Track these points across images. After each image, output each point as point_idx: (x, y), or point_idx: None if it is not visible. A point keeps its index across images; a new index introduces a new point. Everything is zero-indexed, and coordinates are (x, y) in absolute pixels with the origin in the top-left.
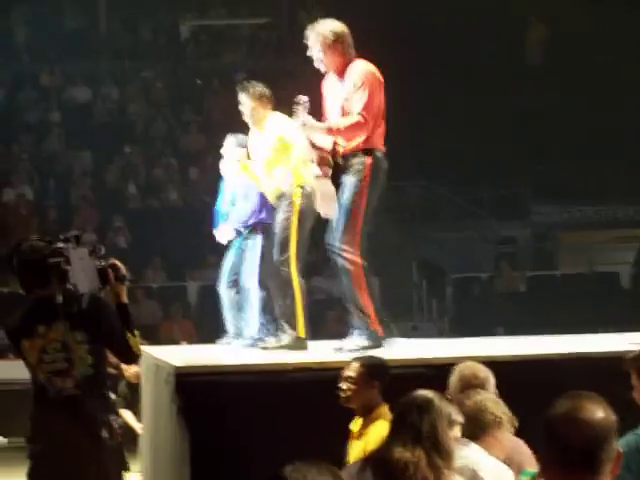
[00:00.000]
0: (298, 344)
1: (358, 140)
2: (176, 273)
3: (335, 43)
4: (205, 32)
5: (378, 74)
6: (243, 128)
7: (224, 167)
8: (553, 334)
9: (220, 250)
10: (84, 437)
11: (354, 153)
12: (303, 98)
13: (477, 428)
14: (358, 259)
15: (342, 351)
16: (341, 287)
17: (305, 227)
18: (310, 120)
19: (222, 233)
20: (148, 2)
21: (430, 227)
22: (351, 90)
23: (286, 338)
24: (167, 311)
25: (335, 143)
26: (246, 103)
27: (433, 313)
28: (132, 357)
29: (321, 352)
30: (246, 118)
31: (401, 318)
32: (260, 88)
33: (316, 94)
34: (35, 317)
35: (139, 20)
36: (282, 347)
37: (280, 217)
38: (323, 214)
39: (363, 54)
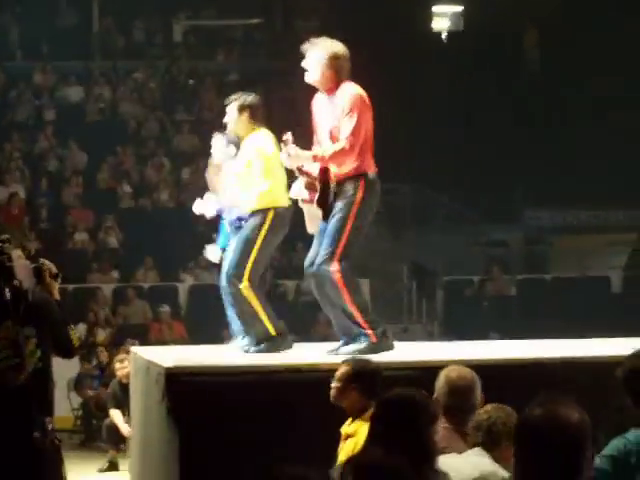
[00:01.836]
0: (274, 344)
1: (350, 166)
2: (167, 273)
3: (333, 63)
4: (198, 32)
5: (366, 98)
6: None
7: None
8: (542, 338)
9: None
10: (15, 436)
11: (346, 178)
12: (288, 135)
13: (490, 440)
14: (339, 270)
15: (336, 353)
16: (329, 300)
17: (272, 245)
18: (295, 150)
19: (210, 252)
20: (141, 2)
21: (421, 229)
22: (340, 116)
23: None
24: (157, 311)
25: (328, 170)
26: (231, 113)
27: (423, 316)
28: (72, 351)
29: (312, 354)
30: (229, 127)
31: (391, 320)
32: (247, 100)
33: (308, 95)
34: None
35: (132, 20)
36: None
37: (245, 232)
38: (311, 232)
39: (357, 60)
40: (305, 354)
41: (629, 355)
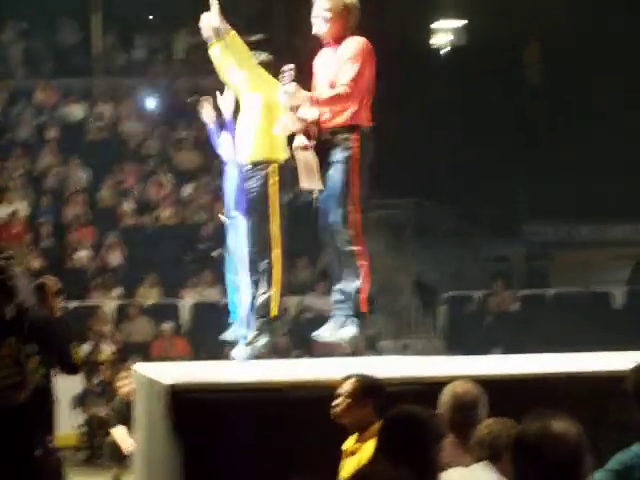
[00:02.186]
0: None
1: (345, 114)
2: (169, 290)
3: (341, 14)
4: (199, 49)
5: (371, 49)
6: None
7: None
8: (546, 352)
9: (213, 268)
10: (17, 453)
11: (341, 128)
12: (289, 66)
13: (494, 454)
14: (361, 244)
15: (335, 339)
16: (339, 267)
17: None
18: (293, 88)
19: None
20: (142, 19)
21: (423, 245)
22: (342, 63)
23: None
24: (160, 328)
25: (321, 117)
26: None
27: (426, 331)
28: (75, 368)
29: (315, 369)
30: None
31: (394, 335)
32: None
33: None
34: None
35: (133, 37)
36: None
37: (254, 186)
38: (305, 187)
39: None
40: (307, 370)
41: (634, 368)
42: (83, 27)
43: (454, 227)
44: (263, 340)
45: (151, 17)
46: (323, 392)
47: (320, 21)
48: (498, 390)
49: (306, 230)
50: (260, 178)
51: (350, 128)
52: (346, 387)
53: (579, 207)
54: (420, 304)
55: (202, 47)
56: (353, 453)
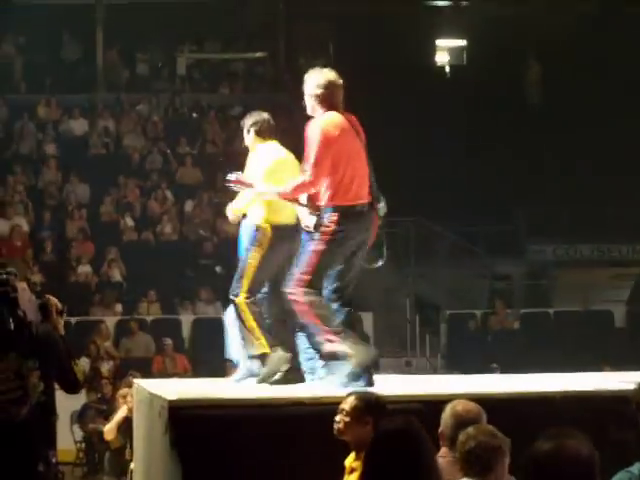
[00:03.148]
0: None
1: (322, 197)
2: (170, 306)
3: (320, 94)
4: (202, 66)
5: (336, 128)
6: (239, 161)
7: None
8: (546, 372)
9: (213, 284)
10: (19, 469)
11: (323, 210)
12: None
13: (480, 468)
14: (300, 297)
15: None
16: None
17: (271, 260)
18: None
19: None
20: (145, 35)
21: (424, 263)
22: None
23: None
24: (160, 344)
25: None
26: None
27: (427, 349)
28: (77, 385)
29: (315, 387)
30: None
31: (394, 353)
32: (255, 118)
33: None
34: None
35: (136, 53)
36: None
37: (246, 245)
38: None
39: (360, 93)
40: (307, 387)
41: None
42: (86, 42)
43: (455, 245)
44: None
45: (154, 33)
46: (324, 409)
47: (307, 104)
48: (498, 409)
49: None
50: None
51: (332, 209)
52: (346, 405)
53: (580, 226)
54: (421, 322)
55: (204, 63)
56: (354, 470)
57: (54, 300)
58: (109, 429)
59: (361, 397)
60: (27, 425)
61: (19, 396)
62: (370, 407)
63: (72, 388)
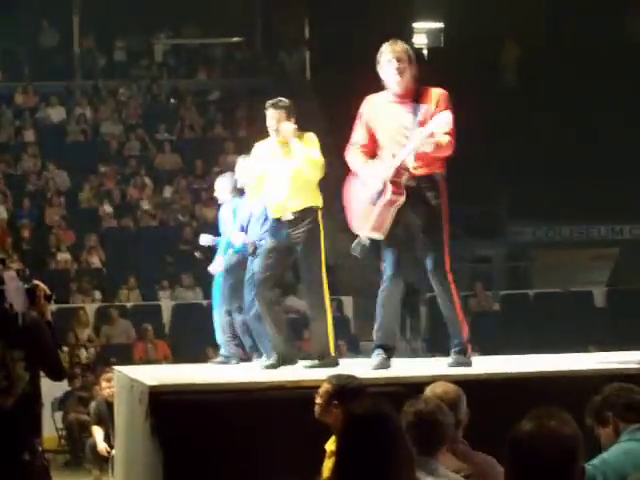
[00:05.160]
0: (331, 362)
1: (442, 164)
2: (150, 292)
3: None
4: (179, 51)
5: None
6: (217, 147)
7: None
8: (526, 353)
9: (193, 269)
10: (5, 458)
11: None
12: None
13: (428, 442)
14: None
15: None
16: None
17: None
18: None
19: (216, 265)
20: (122, 22)
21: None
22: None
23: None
24: (141, 330)
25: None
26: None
27: (407, 332)
28: (62, 374)
29: (295, 370)
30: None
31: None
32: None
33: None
34: None
35: (113, 39)
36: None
37: (303, 235)
38: (367, 235)
39: (339, 77)
40: (288, 371)
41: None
42: (63, 29)
43: None
44: None
45: (131, 20)
46: (304, 392)
47: (398, 74)
48: (478, 391)
49: None
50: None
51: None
52: (321, 389)
53: (559, 208)
54: (401, 305)
55: (181, 49)
56: (334, 454)
57: (42, 286)
58: (100, 448)
59: (332, 381)
60: (12, 415)
61: (4, 387)
62: (339, 391)
63: (58, 376)
